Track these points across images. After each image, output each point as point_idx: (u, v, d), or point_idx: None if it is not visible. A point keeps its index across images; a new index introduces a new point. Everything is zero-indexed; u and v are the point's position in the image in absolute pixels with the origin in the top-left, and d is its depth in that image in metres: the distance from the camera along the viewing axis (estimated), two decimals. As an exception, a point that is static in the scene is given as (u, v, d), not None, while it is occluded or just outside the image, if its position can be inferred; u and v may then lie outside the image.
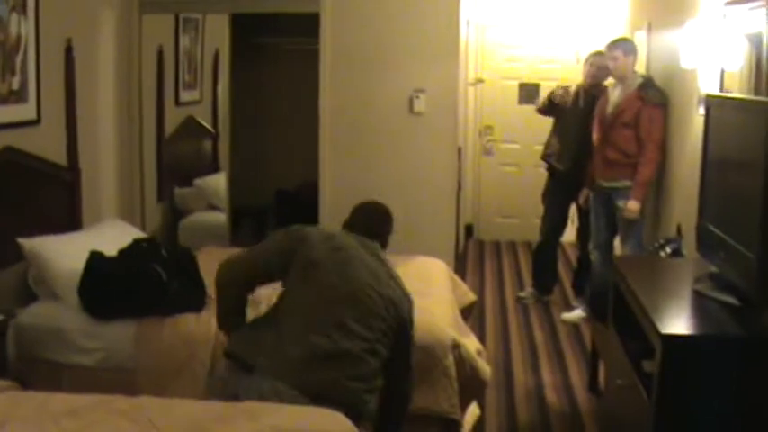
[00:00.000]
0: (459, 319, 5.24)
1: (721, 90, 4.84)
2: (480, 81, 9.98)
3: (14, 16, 5.10)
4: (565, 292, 7.85)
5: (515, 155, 9.92)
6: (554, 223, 7.55)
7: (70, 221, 5.74)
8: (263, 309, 4.31)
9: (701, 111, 5.16)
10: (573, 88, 7.34)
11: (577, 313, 7.13)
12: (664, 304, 3.67)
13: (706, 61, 5.14)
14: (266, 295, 4.52)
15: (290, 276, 3.75)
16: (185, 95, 7.78)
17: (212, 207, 7.78)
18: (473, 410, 4.97)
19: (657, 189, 6.35)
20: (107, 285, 4.73)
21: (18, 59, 5.17)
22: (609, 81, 6.85)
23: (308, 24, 6.94)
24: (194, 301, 4.80)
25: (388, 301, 3.69)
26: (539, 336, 6.75)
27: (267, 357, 3.49)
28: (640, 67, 6.71)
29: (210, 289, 4.87)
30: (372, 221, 4.04)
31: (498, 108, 10.00)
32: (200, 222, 7.61)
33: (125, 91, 6.76)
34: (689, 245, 4.99)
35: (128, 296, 4.71)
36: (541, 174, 7.73)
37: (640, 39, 7.16)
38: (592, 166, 6.74)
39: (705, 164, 4.07)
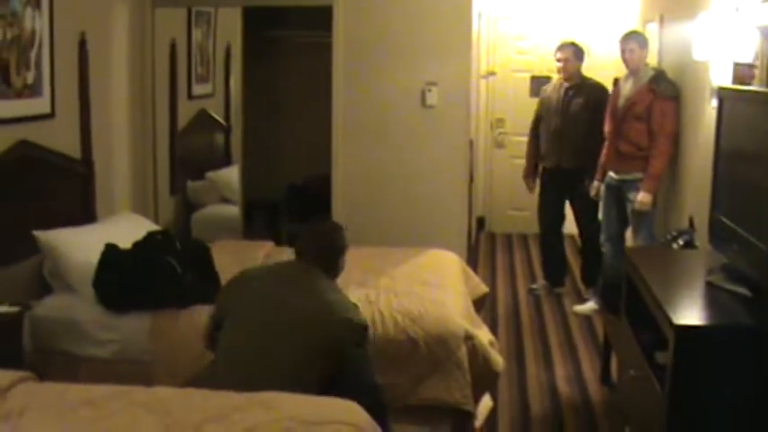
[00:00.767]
0: (472, 310, 5.26)
1: (734, 82, 4.85)
2: (492, 73, 9.98)
3: (29, 11, 5.13)
4: (577, 285, 7.85)
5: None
6: (550, 217, 7.56)
7: (84, 214, 5.78)
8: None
9: (714, 103, 5.16)
10: (554, 83, 7.41)
11: (589, 305, 7.14)
12: (676, 295, 3.68)
13: (718, 53, 5.14)
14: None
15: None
16: (198, 89, 7.81)
17: (225, 200, 7.81)
18: (486, 402, 4.99)
19: (669, 181, 6.35)
20: (122, 278, 4.76)
21: (32, 54, 5.21)
22: (620, 73, 6.84)
23: (321, 17, 6.95)
24: (209, 294, 4.79)
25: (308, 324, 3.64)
26: (551, 328, 6.76)
27: None
28: (652, 60, 6.72)
29: (225, 281, 4.92)
30: (321, 251, 3.93)
31: (510, 101, 10.00)
32: (213, 215, 7.64)
33: (138, 84, 6.79)
34: (701, 236, 5.00)
35: (143, 289, 4.74)
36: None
37: (652, 31, 7.16)
38: (602, 159, 6.75)
39: (717, 156, 4.07)
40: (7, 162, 4.92)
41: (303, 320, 3.61)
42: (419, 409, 4.52)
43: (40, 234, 5.03)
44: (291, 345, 3.58)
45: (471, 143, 7.75)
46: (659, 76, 6.33)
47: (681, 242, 5.07)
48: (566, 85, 7.24)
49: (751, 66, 4.50)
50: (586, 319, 6.95)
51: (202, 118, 7.95)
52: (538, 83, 9.77)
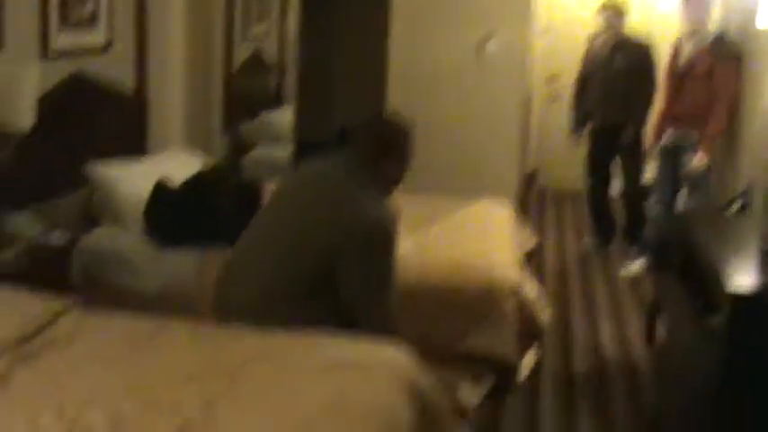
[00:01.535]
0: (521, 263, 5.21)
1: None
2: (549, 29, 9.84)
3: (90, -59, 5.10)
4: (624, 244, 7.77)
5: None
6: (598, 174, 7.48)
7: (136, 148, 5.79)
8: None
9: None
10: (600, 41, 7.29)
11: (636, 265, 7.05)
12: (732, 260, 3.61)
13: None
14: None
15: None
16: (254, 29, 7.76)
17: (276, 141, 7.78)
18: (530, 357, 4.95)
19: (726, 144, 6.24)
20: (172, 214, 4.76)
21: (91, -16, 5.19)
22: (679, 33, 6.71)
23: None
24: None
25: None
26: (597, 285, 6.69)
27: None
28: (714, 24, 6.59)
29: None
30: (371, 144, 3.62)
31: (566, 56, 9.84)
32: (264, 156, 7.61)
33: (195, 20, 6.74)
34: (758, 202, 4.92)
35: (192, 225, 4.73)
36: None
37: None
38: (658, 119, 6.65)
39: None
40: (63, 93, 4.92)
41: (315, 226, 3.43)
42: (462, 361, 4.48)
43: (92, 166, 5.04)
44: (301, 254, 3.41)
45: (528, 98, 7.67)
46: (721, 38, 6.22)
47: (737, 207, 4.98)
48: (610, 43, 7.13)
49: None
50: (633, 279, 6.88)
51: (257, 58, 7.92)
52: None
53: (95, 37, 5.31)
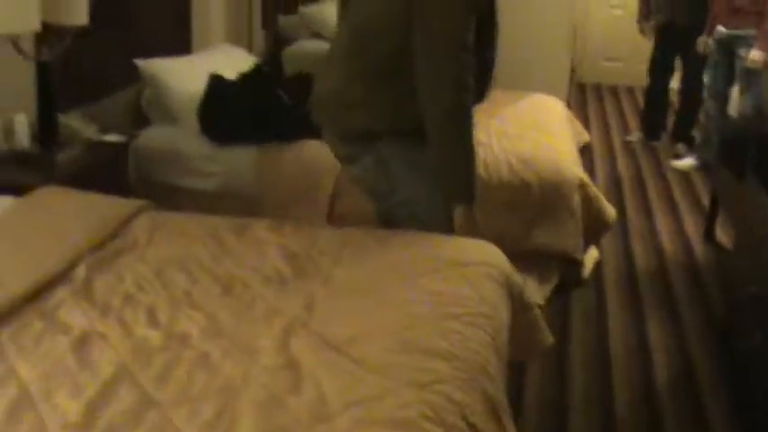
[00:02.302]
0: (578, 158, 5.10)
1: None
2: None
3: None
4: (673, 139, 7.65)
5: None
6: (660, 71, 7.32)
7: (181, 44, 5.65)
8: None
9: None
10: None
11: (688, 161, 6.93)
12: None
13: None
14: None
15: None
16: None
17: (317, 35, 7.61)
18: (592, 252, 4.88)
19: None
20: (228, 109, 4.63)
21: None
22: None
23: None
24: (317, 128, 4.67)
25: None
26: (649, 182, 6.58)
27: None
28: None
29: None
30: None
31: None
32: (305, 51, 7.43)
33: None
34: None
35: (249, 121, 4.60)
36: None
37: None
38: (713, 13, 6.46)
39: None
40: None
41: None
42: (528, 255, 4.40)
43: (142, 63, 4.90)
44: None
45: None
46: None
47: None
48: None
49: None
50: (684, 174, 6.76)
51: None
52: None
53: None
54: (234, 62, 5.25)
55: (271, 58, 7.08)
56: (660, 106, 7.46)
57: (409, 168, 3.08)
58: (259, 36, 7.07)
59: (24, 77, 4.04)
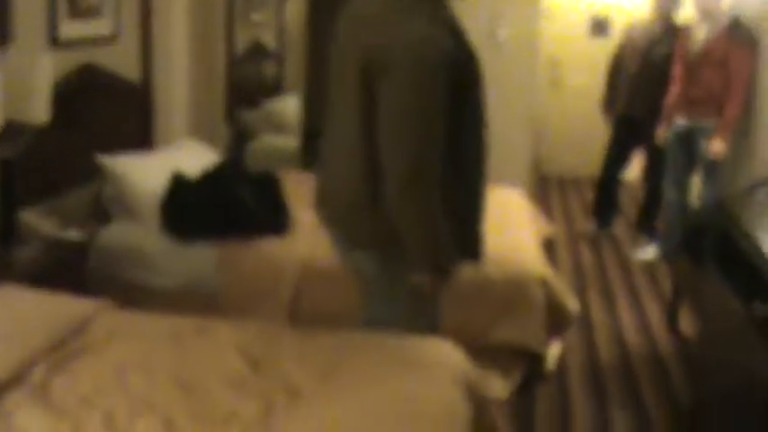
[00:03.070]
0: (541, 252, 5.12)
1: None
2: (550, 12, 9.73)
3: (94, -71, 4.98)
4: (631, 230, 7.71)
5: (583, 89, 9.67)
6: (616, 161, 7.38)
7: (143, 140, 5.68)
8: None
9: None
10: (643, 25, 7.15)
11: (651, 251, 6.97)
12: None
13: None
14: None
15: None
16: (254, 16, 7.64)
17: (279, 130, 7.65)
18: (555, 346, 4.87)
19: (740, 129, 6.15)
20: (190, 207, 4.62)
21: (98, -27, 5.06)
22: (689, 18, 6.61)
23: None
24: (278, 225, 4.69)
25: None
26: (612, 273, 6.61)
27: None
28: (726, 6, 6.50)
29: (294, 212, 4.80)
30: None
31: (568, 41, 9.75)
32: (267, 146, 7.47)
33: (197, 11, 6.61)
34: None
35: (211, 219, 4.60)
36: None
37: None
38: (669, 105, 6.57)
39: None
40: (69, 85, 4.77)
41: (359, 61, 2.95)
42: (491, 351, 4.39)
43: (105, 159, 4.89)
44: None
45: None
46: (737, 22, 6.12)
47: (762, 193, 4.90)
48: (654, 29, 6.97)
49: None
50: (648, 265, 6.79)
51: (257, 46, 7.79)
52: (597, 23, 9.55)
53: (102, 27, 5.18)
54: (196, 158, 5.26)
55: (234, 152, 7.12)
56: (612, 196, 7.51)
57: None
58: (222, 131, 7.10)
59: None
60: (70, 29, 4.80)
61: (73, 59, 4.83)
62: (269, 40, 8.03)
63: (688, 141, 6.38)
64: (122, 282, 4.63)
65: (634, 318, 5.69)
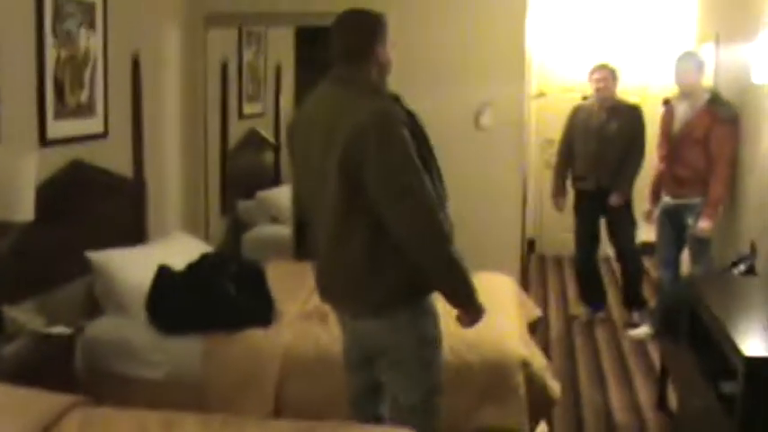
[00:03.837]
0: (527, 335, 5.18)
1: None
2: (542, 94, 9.90)
3: (83, 31, 5.15)
4: (628, 308, 7.73)
5: (577, 168, 9.80)
6: (588, 240, 7.44)
7: (136, 234, 5.80)
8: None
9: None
10: (589, 106, 7.34)
11: (643, 330, 7.01)
12: (744, 325, 3.59)
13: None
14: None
15: None
16: (248, 108, 7.79)
17: (275, 220, 7.77)
18: (542, 429, 4.90)
19: (727, 205, 6.23)
20: (175, 300, 4.73)
21: (87, 73, 5.22)
22: (673, 95, 6.73)
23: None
24: (263, 316, 4.78)
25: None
26: (604, 352, 6.65)
27: None
28: (707, 82, 6.61)
29: (279, 303, 4.90)
30: (345, 39, 3.50)
31: (560, 122, 9.86)
32: (264, 235, 7.60)
33: (190, 104, 6.80)
34: (763, 262, 4.91)
35: (196, 311, 4.71)
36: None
37: (708, 52, 7.06)
38: (655, 183, 6.67)
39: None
40: (61, 181, 4.91)
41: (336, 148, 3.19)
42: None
43: (93, 255, 5.01)
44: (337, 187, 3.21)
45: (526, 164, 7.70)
46: (716, 98, 6.22)
47: (742, 268, 4.97)
48: (603, 107, 7.16)
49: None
50: (640, 343, 6.83)
51: (252, 137, 7.94)
52: (589, 104, 9.69)
53: (92, 125, 5.33)
54: (187, 250, 5.37)
55: (230, 243, 7.23)
56: (594, 278, 7.57)
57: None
58: (217, 222, 7.23)
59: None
60: (60, 127, 4.94)
61: (62, 156, 4.96)
62: (266, 131, 8.18)
63: (675, 219, 6.44)
64: (111, 375, 4.74)
65: (624, 397, 5.72)
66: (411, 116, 3.30)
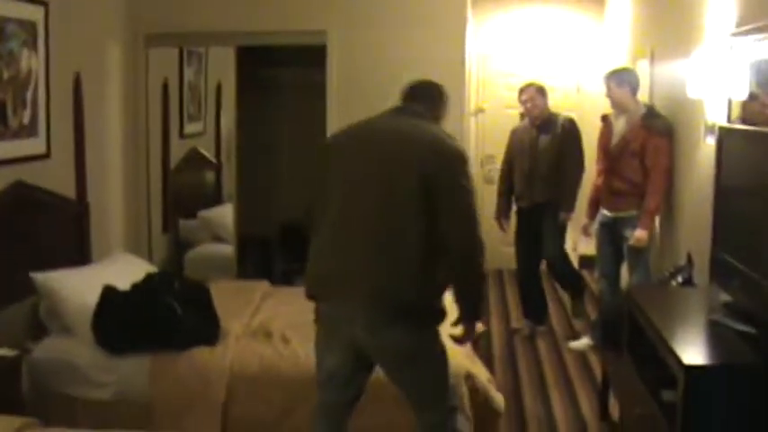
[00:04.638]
0: (470, 348, 5.24)
1: (729, 120, 4.87)
2: (481, 110, 10.00)
3: (25, 51, 5.15)
4: (569, 320, 7.84)
5: (516, 183, 9.90)
6: (528, 256, 7.51)
7: (79, 254, 5.78)
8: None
9: (709, 140, 5.19)
10: (523, 125, 7.47)
11: (584, 341, 7.10)
12: (683, 334, 3.68)
13: (712, 91, 5.15)
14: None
15: None
16: (189, 127, 7.81)
17: (217, 239, 7.78)
18: (486, 441, 4.96)
19: (664, 217, 6.35)
20: (121, 320, 4.74)
21: (28, 94, 5.22)
22: (611, 111, 6.84)
23: (315, 56, 6.97)
24: (208, 335, 4.81)
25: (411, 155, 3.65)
26: (546, 364, 6.73)
27: None
28: (643, 97, 6.73)
29: (224, 322, 4.92)
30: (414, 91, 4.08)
31: (500, 137, 9.96)
32: (206, 254, 7.62)
33: (131, 123, 6.80)
34: (699, 273, 5.01)
35: (142, 330, 4.72)
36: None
37: (643, 68, 7.19)
38: (593, 197, 6.78)
39: (718, 193, 4.08)
40: (3, 203, 4.91)
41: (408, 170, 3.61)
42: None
43: (38, 276, 5.00)
44: (402, 201, 3.60)
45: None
46: (651, 112, 6.33)
47: (679, 279, 5.07)
48: (534, 124, 7.28)
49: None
50: (581, 355, 6.93)
51: (194, 156, 7.95)
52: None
53: (35, 145, 5.32)
54: (132, 271, 5.36)
55: (172, 262, 7.23)
56: (536, 290, 7.65)
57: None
58: (159, 242, 7.22)
59: None
60: (2, 148, 4.97)
61: (4, 178, 4.96)
62: (207, 150, 8.19)
63: (614, 232, 6.53)
64: (58, 395, 4.74)
65: (567, 408, 5.79)
66: None
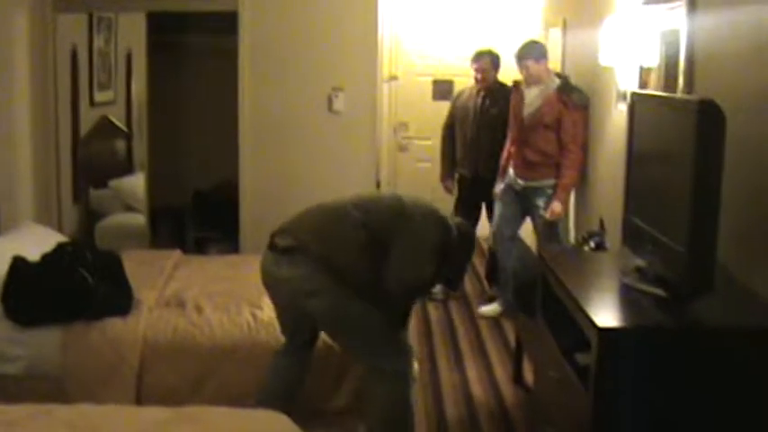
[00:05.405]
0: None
1: (640, 87, 4.93)
2: (395, 78, 9.98)
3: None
4: (482, 285, 7.90)
5: (430, 151, 9.90)
6: (465, 218, 7.53)
7: (-13, 225, 5.66)
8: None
9: (621, 107, 5.25)
10: (469, 91, 7.45)
11: (494, 307, 7.15)
12: (596, 298, 3.71)
13: (624, 58, 5.22)
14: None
15: None
16: (100, 96, 7.68)
17: (129, 209, 7.69)
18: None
19: (579, 185, 6.41)
20: (31, 291, 4.65)
21: (-68, 62, 5.08)
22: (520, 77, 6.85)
23: (226, 22, 6.89)
24: (121, 305, 4.75)
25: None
26: (460, 330, 6.78)
27: None
28: (555, 65, 6.77)
29: (136, 291, 4.86)
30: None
31: (413, 105, 10.01)
32: (118, 224, 7.52)
33: (40, 92, 6.64)
34: (612, 238, 5.08)
35: (53, 302, 4.63)
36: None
37: (555, 36, 7.24)
38: (503, 165, 6.79)
39: (630, 159, 4.12)
40: None
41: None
42: (334, 415, 4.52)
43: (-56, 247, 4.89)
44: None
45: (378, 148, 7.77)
46: (567, 85, 6.37)
47: (592, 244, 5.13)
48: (482, 93, 7.25)
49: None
50: (494, 320, 6.98)
51: (104, 125, 7.82)
52: (440, 86, 9.83)
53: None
54: (41, 241, 5.27)
55: (83, 233, 7.12)
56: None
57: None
58: (69, 212, 7.10)
59: None
60: None
61: None
62: (118, 118, 8.07)
63: (524, 199, 6.58)
64: (-34, 372, 4.63)
65: (481, 373, 5.85)
66: None
